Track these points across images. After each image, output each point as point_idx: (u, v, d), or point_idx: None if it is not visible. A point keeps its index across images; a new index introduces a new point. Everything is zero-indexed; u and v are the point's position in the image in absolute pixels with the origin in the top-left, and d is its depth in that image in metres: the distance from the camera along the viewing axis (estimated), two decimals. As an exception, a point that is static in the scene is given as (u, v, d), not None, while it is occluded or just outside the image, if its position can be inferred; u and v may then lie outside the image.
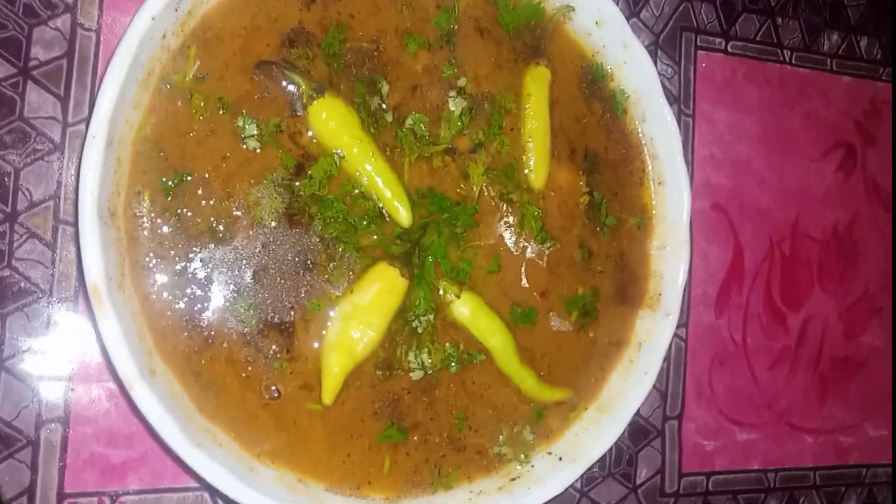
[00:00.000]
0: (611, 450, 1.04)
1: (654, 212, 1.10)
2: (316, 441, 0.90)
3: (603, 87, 1.09)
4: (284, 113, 0.90)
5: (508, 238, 1.01)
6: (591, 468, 1.00)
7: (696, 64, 1.29)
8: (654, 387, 1.07)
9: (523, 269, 1.02)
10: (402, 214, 0.93)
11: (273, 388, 0.88)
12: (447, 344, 0.96)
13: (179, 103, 0.87)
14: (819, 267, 1.38)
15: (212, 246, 0.87)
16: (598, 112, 1.09)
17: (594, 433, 1.02)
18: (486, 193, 1.00)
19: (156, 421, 0.80)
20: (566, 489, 0.98)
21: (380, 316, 0.91)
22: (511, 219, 1.01)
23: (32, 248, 0.94)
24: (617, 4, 1.06)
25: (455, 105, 0.98)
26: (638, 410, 1.03)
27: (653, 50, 1.25)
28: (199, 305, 0.86)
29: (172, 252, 0.85)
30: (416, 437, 0.95)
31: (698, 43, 1.30)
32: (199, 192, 0.87)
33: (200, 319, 0.86)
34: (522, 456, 1.00)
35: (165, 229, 0.85)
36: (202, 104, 0.87)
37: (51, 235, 0.95)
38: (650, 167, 1.10)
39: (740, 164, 1.32)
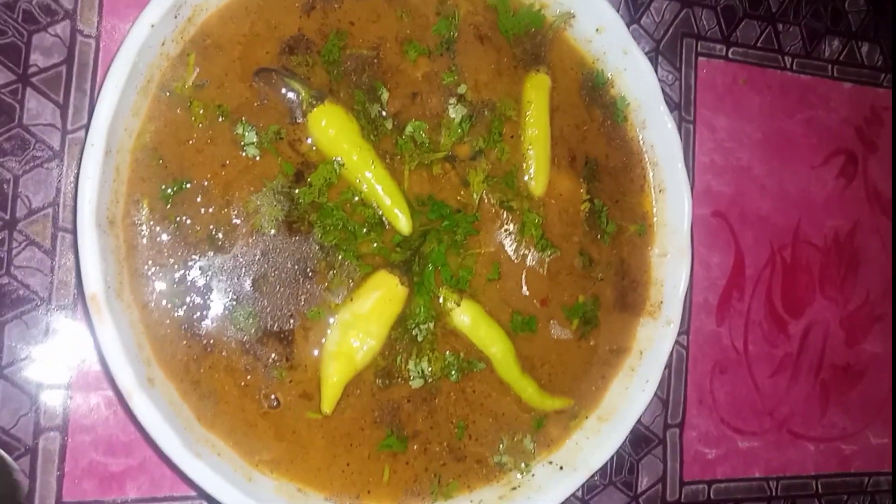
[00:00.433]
0: (612, 458, 1.03)
1: (654, 219, 1.09)
2: (315, 450, 0.90)
3: (603, 94, 1.09)
4: (284, 120, 0.90)
5: (509, 246, 1.01)
6: (591, 476, 1.00)
7: (697, 70, 1.29)
8: (656, 395, 1.06)
9: (524, 277, 1.02)
10: (402, 222, 0.92)
11: (272, 396, 0.88)
12: (447, 352, 0.96)
13: (179, 111, 0.86)
14: (820, 274, 1.37)
15: (211, 254, 0.86)
16: (599, 119, 1.08)
17: (595, 442, 1.01)
18: (486, 201, 1.00)
19: (154, 430, 0.79)
20: (567, 498, 0.97)
21: (379, 324, 0.91)
22: (511, 226, 1.01)
23: (31, 255, 0.94)
24: (617, 11, 1.05)
25: (455, 112, 0.98)
26: (639, 418, 1.02)
27: (653, 56, 1.25)
28: (198, 314, 0.86)
29: (171, 260, 0.85)
30: (415, 446, 0.94)
31: (699, 49, 1.29)
32: (199, 199, 0.86)
33: (199, 328, 0.86)
34: (523, 465, 0.99)
35: (164, 237, 0.85)
36: (201, 112, 0.87)
37: (50, 243, 0.94)
38: (651, 174, 1.10)
39: (741, 171, 1.32)
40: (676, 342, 1.08)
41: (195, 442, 0.83)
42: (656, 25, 1.26)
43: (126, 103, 0.82)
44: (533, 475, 0.99)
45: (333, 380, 0.88)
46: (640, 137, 1.10)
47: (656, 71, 1.09)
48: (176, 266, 0.85)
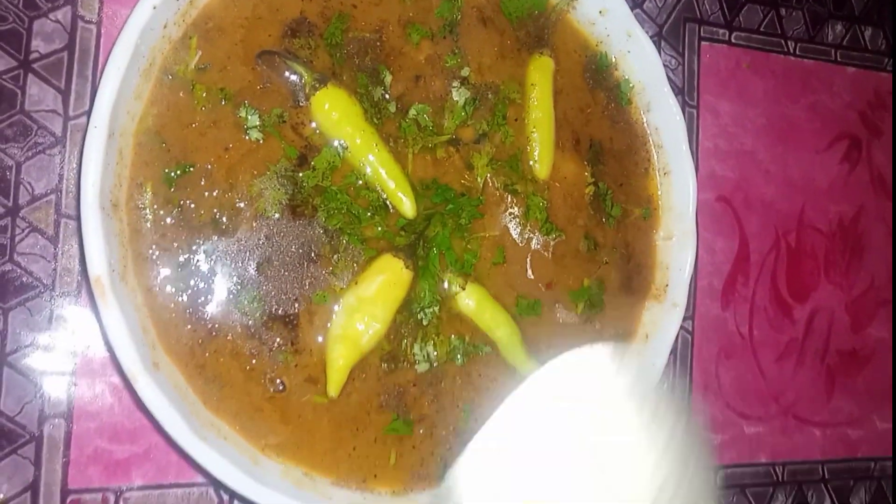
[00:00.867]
0: (618, 442, 1.03)
1: (659, 202, 1.09)
2: (321, 434, 0.89)
3: (607, 76, 1.08)
4: (287, 103, 0.90)
5: (513, 229, 1.01)
6: (598, 461, 1.00)
7: (700, 55, 1.29)
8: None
9: (528, 261, 1.01)
10: (406, 205, 0.92)
11: (278, 380, 0.87)
12: (452, 336, 0.95)
13: (181, 94, 0.86)
14: (825, 259, 1.37)
15: (215, 238, 0.86)
16: (603, 102, 1.08)
17: (601, 425, 1.01)
18: (490, 184, 0.99)
19: (160, 414, 0.79)
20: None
21: (384, 308, 0.90)
22: (516, 210, 1.01)
23: (34, 242, 0.93)
24: (620, -6, 1.05)
25: (458, 95, 0.98)
26: (645, 402, 1.02)
27: (656, 41, 1.24)
28: (202, 298, 0.85)
29: (175, 244, 0.85)
30: (421, 430, 0.94)
31: (702, 34, 1.29)
32: (202, 183, 0.86)
33: (204, 312, 0.85)
34: (529, 448, 0.99)
35: (168, 221, 0.85)
36: (204, 95, 0.87)
37: (52, 229, 0.94)
38: (655, 157, 1.09)
39: (745, 156, 1.31)
40: (682, 327, 1.07)
41: (201, 426, 0.82)
42: (659, 10, 1.26)
43: (128, 86, 0.82)
44: (540, 458, 0.98)
45: (339, 363, 0.88)
46: (645, 120, 1.09)
47: (659, 55, 1.09)
48: (180, 250, 0.85)
